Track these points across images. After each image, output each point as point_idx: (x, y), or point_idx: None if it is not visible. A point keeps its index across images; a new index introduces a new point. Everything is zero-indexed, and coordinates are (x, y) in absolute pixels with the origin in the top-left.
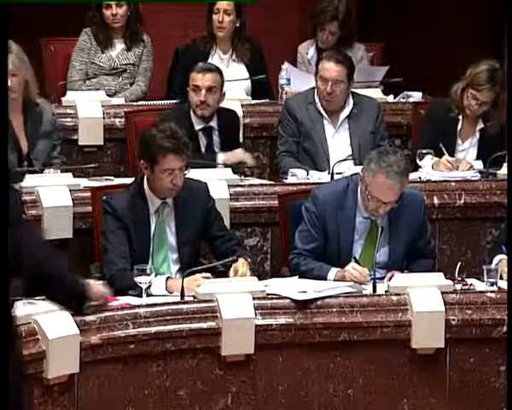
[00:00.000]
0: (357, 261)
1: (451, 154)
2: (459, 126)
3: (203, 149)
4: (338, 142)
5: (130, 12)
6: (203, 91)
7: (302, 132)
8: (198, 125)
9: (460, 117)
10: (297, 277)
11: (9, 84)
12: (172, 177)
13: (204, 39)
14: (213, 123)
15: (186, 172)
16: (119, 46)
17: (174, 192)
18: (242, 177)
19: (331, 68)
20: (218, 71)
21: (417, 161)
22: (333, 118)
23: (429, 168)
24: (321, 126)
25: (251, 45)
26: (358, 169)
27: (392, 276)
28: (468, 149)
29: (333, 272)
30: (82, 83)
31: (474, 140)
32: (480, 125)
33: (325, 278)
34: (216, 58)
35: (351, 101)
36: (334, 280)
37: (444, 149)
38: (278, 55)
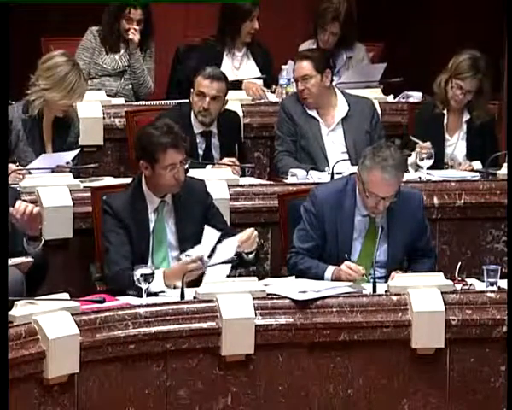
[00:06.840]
0: (349, 260)
1: (441, 150)
2: (445, 121)
3: (200, 152)
4: (333, 141)
5: (145, 23)
6: (207, 99)
7: (298, 131)
8: (198, 129)
9: (445, 112)
10: (294, 276)
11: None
12: (174, 171)
13: (214, 38)
14: (213, 127)
15: (186, 165)
16: (123, 49)
17: (177, 187)
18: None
19: (297, 67)
20: (225, 79)
21: (417, 161)
22: (327, 119)
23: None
24: (315, 126)
25: (261, 47)
26: (355, 169)
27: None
28: (456, 143)
29: (329, 270)
30: None
31: (462, 133)
32: (466, 117)
33: (322, 277)
34: (229, 57)
35: (344, 102)
36: (332, 279)
37: (415, 140)
38: (281, 55)
